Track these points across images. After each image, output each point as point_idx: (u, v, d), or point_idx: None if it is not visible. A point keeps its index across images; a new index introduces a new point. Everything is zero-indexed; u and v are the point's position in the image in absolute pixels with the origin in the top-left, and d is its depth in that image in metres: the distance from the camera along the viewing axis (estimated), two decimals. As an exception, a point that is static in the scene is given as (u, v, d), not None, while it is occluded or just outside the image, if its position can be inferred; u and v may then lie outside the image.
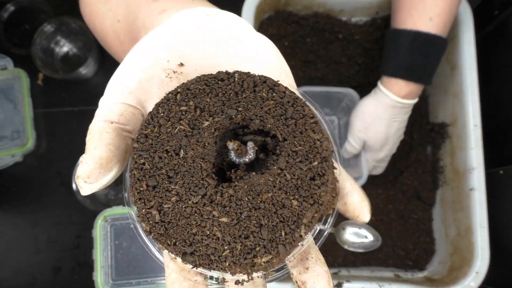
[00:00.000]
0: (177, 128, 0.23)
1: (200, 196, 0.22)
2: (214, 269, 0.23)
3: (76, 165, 0.78)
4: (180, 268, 0.24)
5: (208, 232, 0.21)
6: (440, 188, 0.70)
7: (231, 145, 0.24)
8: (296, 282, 0.25)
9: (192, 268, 0.23)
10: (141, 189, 0.23)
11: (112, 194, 0.82)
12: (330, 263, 0.68)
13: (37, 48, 0.83)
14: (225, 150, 0.24)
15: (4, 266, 0.81)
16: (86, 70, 0.83)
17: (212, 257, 0.22)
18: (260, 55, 0.27)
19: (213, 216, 0.22)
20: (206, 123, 0.23)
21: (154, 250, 0.24)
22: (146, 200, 0.23)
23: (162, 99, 0.25)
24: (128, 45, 0.37)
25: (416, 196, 0.70)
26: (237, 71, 0.25)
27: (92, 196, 0.81)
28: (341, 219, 0.70)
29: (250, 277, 0.23)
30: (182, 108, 0.24)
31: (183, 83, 0.25)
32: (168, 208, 0.22)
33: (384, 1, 0.72)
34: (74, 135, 0.85)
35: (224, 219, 0.21)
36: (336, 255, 0.68)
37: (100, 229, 0.69)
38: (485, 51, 0.71)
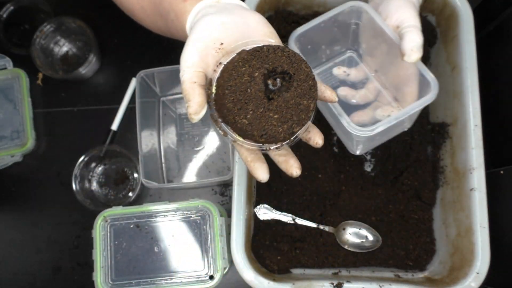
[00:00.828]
0: (244, 78, 0.43)
1: (262, 108, 0.42)
2: (275, 143, 0.44)
3: (76, 165, 0.78)
4: (247, 149, 0.47)
5: (270, 123, 0.42)
6: (441, 188, 0.70)
7: (269, 82, 0.44)
8: (305, 139, 0.49)
9: (263, 143, 0.45)
10: (235, 110, 0.42)
11: (112, 194, 0.82)
12: (331, 264, 0.68)
13: (36, 48, 0.83)
14: (268, 85, 0.44)
15: (3, 266, 0.81)
16: (86, 70, 0.83)
17: (275, 135, 0.43)
18: (257, 28, 0.47)
19: (270, 115, 0.43)
20: (256, 73, 0.43)
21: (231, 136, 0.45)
22: (237, 115, 0.42)
23: (232, 66, 0.43)
24: (154, 17, 0.55)
25: (416, 196, 0.70)
26: (264, 45, 0.44)
27: (92, 196, 0.81)
28: (341, 220, 0.70)
29: (281, 144, 0.45)
30: (243, 68, 0.43)
31: (239, 55, 0.44)
32: (249, 116, 0.42)
33: (384, 1, 0.72)
34: (74, 135, 0.85)
35: (276, 116, 0.43)
36: (337, 256, 0.68)
37: (100, 229, 0.69)
38: (485, 51, 0.71)
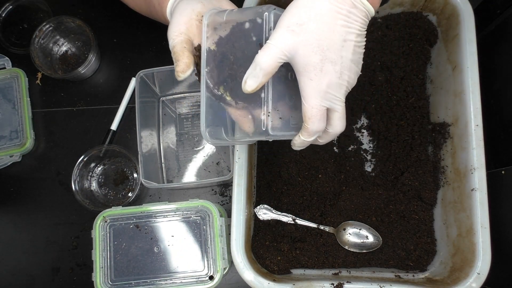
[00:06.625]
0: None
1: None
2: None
3: (75, 165, 0.78)
4: (235, 109, 0.50)
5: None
6: (441, 188, 0.70)
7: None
8: None
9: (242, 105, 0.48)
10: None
11: (111, 194, 0.82)
12: (331, 264, 0.68)
13: (35, 47, 0.83)
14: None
15: (2, 266, 0.81)
16: (85, 69, 0.82)
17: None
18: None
19: None
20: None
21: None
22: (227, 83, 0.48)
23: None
24: (138, 0, 0.64)
25: (417, 197, 0.70)
26: None
27: (91, 196, 0.80)
28: (342, 220, 0.69)
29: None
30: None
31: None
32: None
33: (385, 0, 0.72)
34: (73, 135, 0.84)
35: None
36: (337, 256, 0.68)
37: (99, 230, 0.69)
38: (486, 50, 0.71)
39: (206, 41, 0.49)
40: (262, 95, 0.46)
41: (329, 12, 0.43)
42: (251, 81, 0.44)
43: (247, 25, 0.46)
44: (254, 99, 0.46)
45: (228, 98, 0.48)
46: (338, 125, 0.48)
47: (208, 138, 0.51)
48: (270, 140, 0.48)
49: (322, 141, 0.50)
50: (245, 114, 0.49)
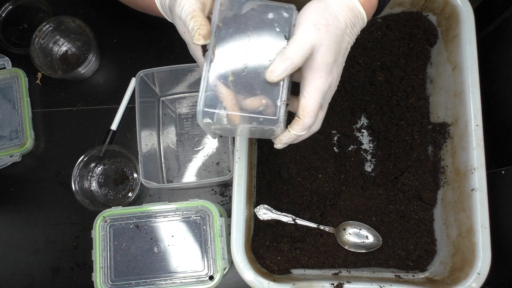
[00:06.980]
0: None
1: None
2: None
3: (75, 165, 0.78)
4: (230, 99, 0.46)
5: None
6: (441, 188, 0.70)
7: None
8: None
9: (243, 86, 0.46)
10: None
11: (111, 194, 0.82)
12: (331, 264, 0.68)
13: (35, 47, 0.83)
14: None
15: (2, 266, 0.81)
16: (85, 69, 0.82)
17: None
18: None
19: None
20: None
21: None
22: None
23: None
24: None
25: (417, 196, 0.70)
26: None
27: (91, 196, 0.80)
28: (342, 220, 0.69)
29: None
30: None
31: None
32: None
33: (385, 1, 0.72)
34: (73, 135, 0.84)
35: None
36: (337, 256, 0.68)
37: (99, 230, 0.69)
38: (486, 50, 0.71)
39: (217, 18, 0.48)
40: (281, 82, 0.46)
41: (343, 20, 0.46)
42: (278, 72, 0.44)
43: (271, 15, 0.47)
44: (264, 85, 0.46)
45: (231, 78, 0.47)
46: (318, 124, 0.51)
47: (202, 121, 0.47)
48: (275, 128, 0.47)
49: (300, 138, 0.52)
50: (238, 107, 0.46)
